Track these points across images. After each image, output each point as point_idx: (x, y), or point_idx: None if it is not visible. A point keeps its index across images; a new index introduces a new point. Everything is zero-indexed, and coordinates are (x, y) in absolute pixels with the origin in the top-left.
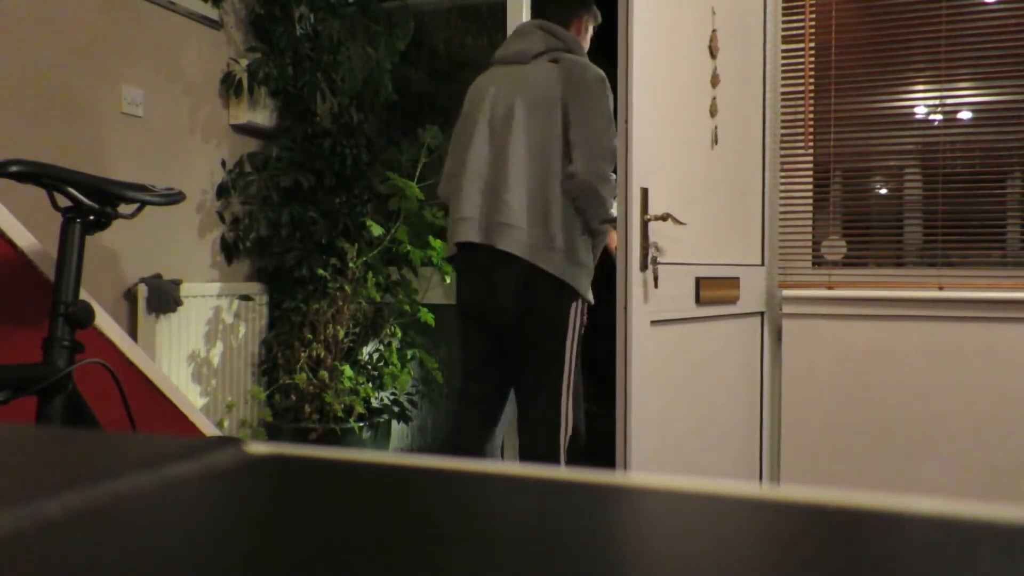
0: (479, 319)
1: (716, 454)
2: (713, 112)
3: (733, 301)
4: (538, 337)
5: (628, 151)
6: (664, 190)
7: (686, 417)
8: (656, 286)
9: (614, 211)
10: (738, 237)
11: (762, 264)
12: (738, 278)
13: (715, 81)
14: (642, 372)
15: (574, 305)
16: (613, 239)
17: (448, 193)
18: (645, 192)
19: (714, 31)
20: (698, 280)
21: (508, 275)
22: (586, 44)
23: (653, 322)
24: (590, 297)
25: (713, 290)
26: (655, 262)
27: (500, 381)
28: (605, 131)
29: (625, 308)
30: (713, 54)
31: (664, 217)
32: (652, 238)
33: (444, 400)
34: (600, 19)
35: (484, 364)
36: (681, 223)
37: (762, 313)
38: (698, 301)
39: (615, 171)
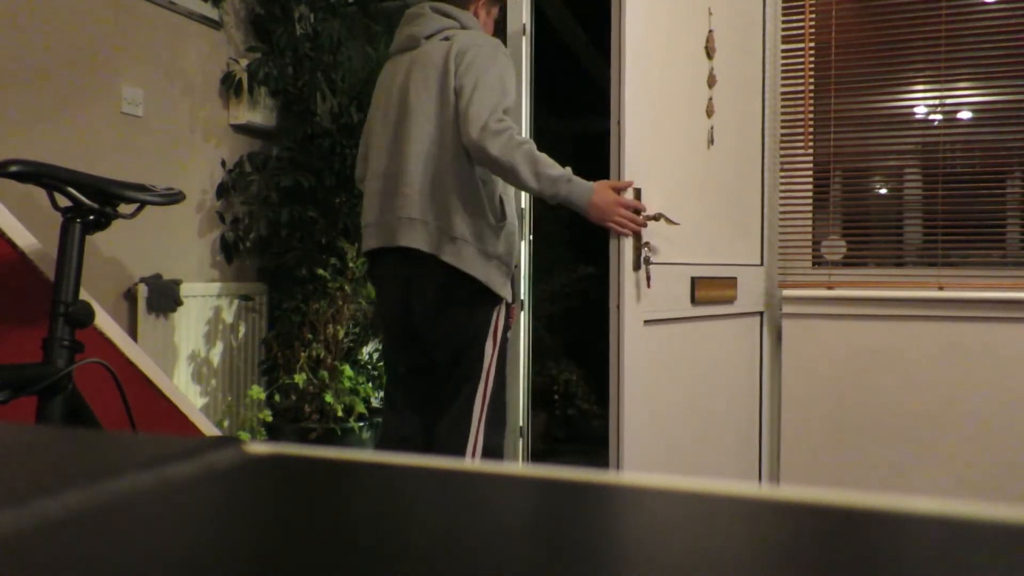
0: (398, 330)
1: (714, 453)
2: (710, 112)
3: (730, 301)
4: (451, 345)
5: (621, 152)
6: (658, 191)
7: (682, 416)
8: (649, 286)
9: (548, 169)
10: (736, 237)
11: (761, 264)
12: (735, 278)
13: (712, 81)
14: (635, 372)
15: (496, 310)
16: (601, 203)
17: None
18: (638, 193)
19: (711, 31)
20: (694, 280)
21: (420, 277)
22: (490, 28)
23: (647, 321)
24: (508, 294)
25: (709, 290)
26: (648, 262)
27: (428, 391)
28: (492, 90)
29: (618, 308)
30: (710, 54)
31: (656, 217)
32: (645, 238)
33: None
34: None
35: (410, 374)
36: (674, 223)
37: (761, 313)
38: (693, 301)
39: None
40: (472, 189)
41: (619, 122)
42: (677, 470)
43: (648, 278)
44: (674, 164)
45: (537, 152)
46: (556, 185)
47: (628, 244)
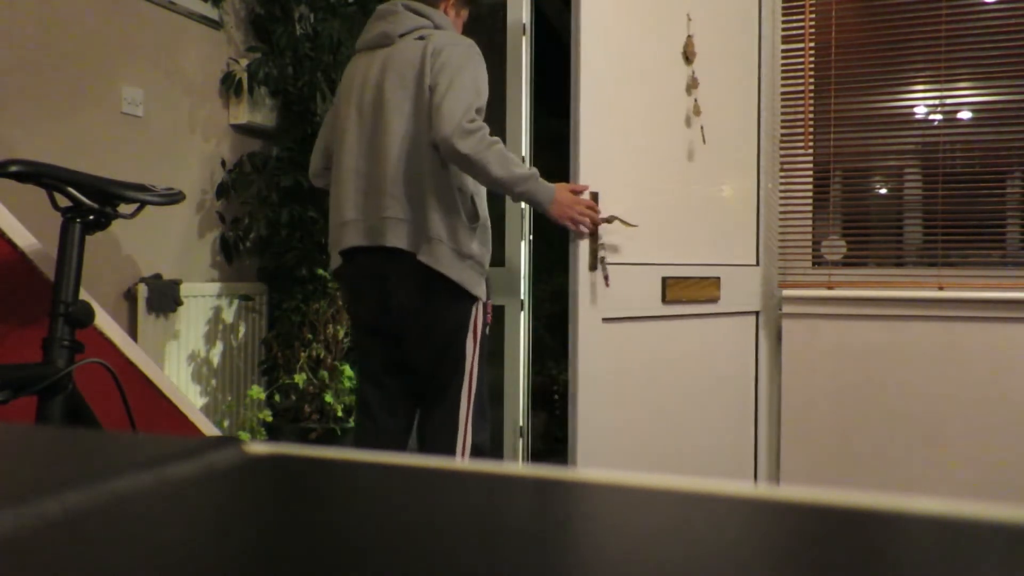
0: (376, 330)
1: (697, 451)
2: (689, 117)
3: (713, 300)
4: (433, 344)
5: (577, 157)
6: (619, 194)
7: (652, 414)
8: (607, 285)
9: (517, 168)
10: (721, 238)
11: (757, 264)
12: (719, 278)
13: (692, 86)
14: (593, 369)
15: (474, 307)
16: (562, 201)
17: (329, 191)
18: (595, 197)
19: (690, 37)
20: (664, 279)
21: (401, 276)
22: (459, 29)
23: (606, 319)
24: (482, 293)
25: (684, 289)
26: (604, 262)
27: (405, 392)
28: (465, 89)
29: (576, 307)
30: (688, 59)
31: (610, 220)
32: (609, 239)
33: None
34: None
35: (387, 374)
36: (631, 225)
37: (757, 312)
38: (664, 300)
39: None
40: (447, 189)
41: (576, 126)
42: (652, 468)
43: (606, 277)
44: (641, 167)
45: (506, 151)
46: (525, 182)
47: (585, 245)
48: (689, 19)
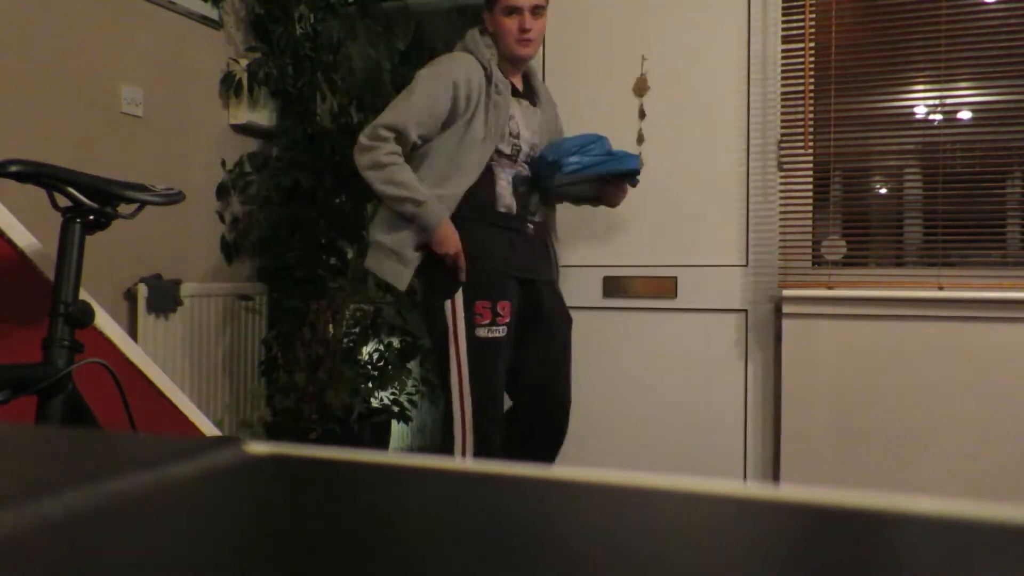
0: None
1: (647, 446)
2: (640, 140)
3: (667, 298)
4: (429, 336)
5: None
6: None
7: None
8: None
9: (398, 190)
10: (688, 240)
11: (746, 264)
12: (675, 277)
13: (642, 114)
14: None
15: (447, 306)
16: (443, 238)
17: None
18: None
19: (643, 75)
20: (605, 279)
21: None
22: (492, 27)
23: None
24: (401, 284)
25: (626, 287)
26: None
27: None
28: (390, 106)
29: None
30: (640, 94)
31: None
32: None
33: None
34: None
35: None
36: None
37: (745, 311)
38: (604, 295)
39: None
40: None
41: None
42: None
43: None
44: None
45: (399, 174)
46: (402, 205)
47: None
48: (644, 59)
